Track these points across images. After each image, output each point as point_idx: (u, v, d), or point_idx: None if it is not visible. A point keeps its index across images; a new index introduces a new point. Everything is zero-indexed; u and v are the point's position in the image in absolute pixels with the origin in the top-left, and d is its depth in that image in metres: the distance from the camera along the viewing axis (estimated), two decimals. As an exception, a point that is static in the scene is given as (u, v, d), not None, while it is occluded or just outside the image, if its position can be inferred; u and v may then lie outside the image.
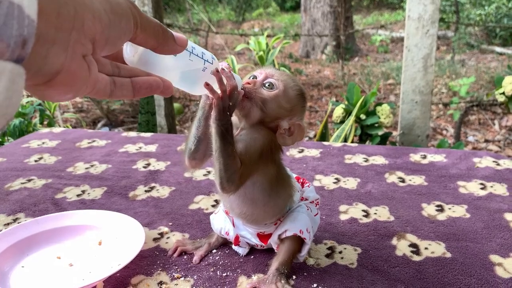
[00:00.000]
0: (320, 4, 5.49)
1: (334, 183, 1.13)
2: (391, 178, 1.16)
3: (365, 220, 0.94)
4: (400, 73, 2.20)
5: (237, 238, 0.80)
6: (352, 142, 2.03)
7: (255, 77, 0.71)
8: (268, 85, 0.69)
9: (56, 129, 1.68)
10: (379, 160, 1.29)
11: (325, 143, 1.46)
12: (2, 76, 0.28)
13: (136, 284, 0.74)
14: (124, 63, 0.47)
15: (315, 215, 0.80)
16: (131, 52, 0.47)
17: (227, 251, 0.83)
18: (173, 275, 0.76)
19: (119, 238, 0.85)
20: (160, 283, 0.74)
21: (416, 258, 0.80)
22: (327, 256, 0.81)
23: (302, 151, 1.38)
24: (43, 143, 1.51)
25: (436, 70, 4.77)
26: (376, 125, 2.19)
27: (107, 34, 0.38)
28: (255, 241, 0.80)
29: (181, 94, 4.25)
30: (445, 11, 6.30)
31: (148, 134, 1.59)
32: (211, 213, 0.98)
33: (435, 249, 0.83)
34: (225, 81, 0.60)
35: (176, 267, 0.78)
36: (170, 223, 0.94)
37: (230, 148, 0.64)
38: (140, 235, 0.81)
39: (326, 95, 4.34)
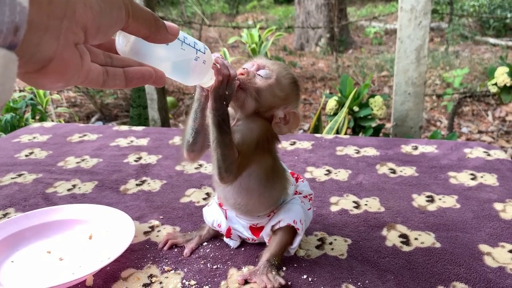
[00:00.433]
0: (314, -4, 5.46)
1: (326, 175, 1.14)
2: (382, 169, 1.16)
3: (356, 211, 0.94)
4: (394, 65, 2.20)
5: (229, 230, 0.80)
6: (345, 134, 2.04)
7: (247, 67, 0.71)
8: (262, 75, 0.69)
9: (47, 124, 1.67)
10: (370, 151, 1.29)
11: (317, 135, 1.46)
12: None
13: (126, 277, 0.74)
14: (117, 53, 0.47)
15: (308, 209, 0.81)
16: (123, 42, 0.46)
17: (217, 244, 0.83)
18: (164, 268, 0.76)
19: (110, 232, 0.85)
20: (151, 276, 0.74)
21: (406, 248, 0.80)
22: (318, 247, 0.81)
23: (294, 143, 1.38)
24: (34, 137, 1.50)
25: (430, 61, 4.78)
26: (369, 117, 2.20)
27: (98, 22, 0.38)
28: (247, 234, 0.80)
29: (174, 88, 4.23)
30: (439, 2, 6.30)
31: (140, 128, 1.58)
32: (202, 206, 0.98)
33: (424, 239, 0.83)
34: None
35: (167, 260, 0.78)
36: (161, 217, 0.94)
37: (227, 138, 0.65)
38: (131, 228, 0.81)
39: (320, 87, 4.34)
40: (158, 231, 0.88)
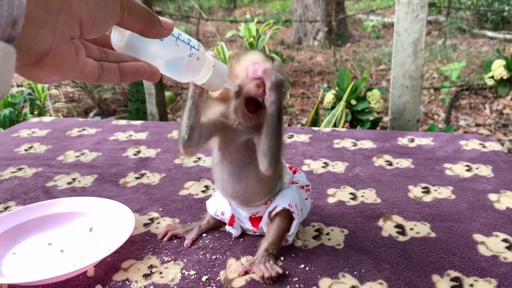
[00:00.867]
0: (312, -11, 5.45)
1: (323, 167, 1.15)
2: (379, 161, 1.17)
3: (352, 202, 0.96)
4: (391, 58, 2.21)
5: (232, 217, 0.82)
6: (343, 127, 2.05)
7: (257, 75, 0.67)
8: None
9: (46, 118, 1.68)
10: (367, 144, 1.30)
11: (315, 128, 1.47)
12: None
13: (126, 268, 0.75)
14: (112, 48, 0.48)
15: (305, 199, 0.82)
16: (118, 37, 0.47)
17: (216, 235, 0.84)
18: (163, 259, 0.77)
19: (110, 224, 0.86)
20: (151, 266, 0.75)
21: (401, 238, 0.82)
22: (315, 237, 0.82)
23: (291, 136, 1.39)
24: (33, 132, 1.51)
25: (428, 55, 4.78)
26: (367, 110, 2.21)
27: (93, 17, 0.39)
28: (248, 225, 0.81)
29: (173, 83, 4.23)
30: (437, -4, 6.29)
31: (138, 122, 1.59)
32: (201, 198, 0.99)
33: (420, 229, 0.84)
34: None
35: (166, 251, 0.80)
36: (161, 209, 0.95)
37: (281, 127, 0.67)
38: (131, 221, 0.82)
39: (318, 81, 4.34)
40: (158, 223, 0.90)
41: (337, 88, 2.27)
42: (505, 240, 0.80)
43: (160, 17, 0.46)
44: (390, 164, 1.16)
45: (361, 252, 0.78)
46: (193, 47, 0.53)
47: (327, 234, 0.83)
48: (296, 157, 1.22)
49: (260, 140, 0.69)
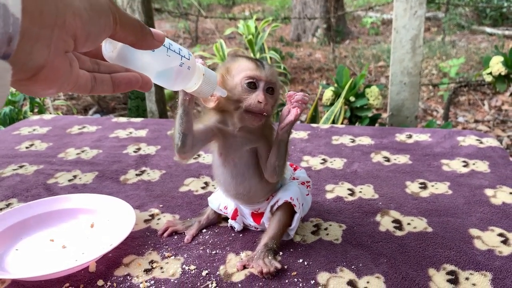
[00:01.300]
0: (311, -14, 5.45)
1: (321, 163, 1.16)
2: (377, 157, 1.18)
3: (350, 198, 0.97)
4: (390, 55, 2.21)
5: (235, 211, 0.83)
6: (342, 124, 2.06)
7: (253, 84, 0.71)
8: (271, 91, 0.73)
9: (47, 116, 1.69)
10: (365, 140, 1.31)
11: (313, 125, 1.48)
12: None
13: (128, 263, 0.76)
14: (104, 60, 0.48)
15: (306, 195, 0.84)
16: (110, 49, 0.48)
17: (216, 231, 0.85)
18: (164, 254, 0.78)
19: (111, 220, 0.87)
20: (151, 262, 0.76)
21: (398, 233, 0.83)
22: (313, 233, 0.83)
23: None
24: (34, 130, 1.52)
25: (427, 51, 4.78)
26: (365, 107, 2.22)
27: (87, 30, 0.39)
28: (250, 221, 0.83)
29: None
30: (436, -8, 6.28)
31: (138, 119, 1.60)
32: (201, 195, 1.00)
33: (417, 224, 0.86)
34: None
35: (167, 247, 0.81)
36: (161, 205, 0.96)
37: (287, 148, 0.75)
38: (131, 217, 0.83)
39: (317, 78, 4.35)
40: (158, 219, 0.91)
41: (335, 85, 2.28)
42: (500, 235, 0.81)
43: (152, 29, 0.47)
44: (388, 160, 1.17)
45: (358, 246, 0.79)
46: (184, 56, 0.54)
47: (326, 229, 0.85)
48: (295, 153, 1.23)
49: (263, 150, 0.76)
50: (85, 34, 0.39)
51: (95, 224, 0.88)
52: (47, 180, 1.11)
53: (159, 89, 2.62)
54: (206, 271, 0.73)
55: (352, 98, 2.22)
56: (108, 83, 0.45)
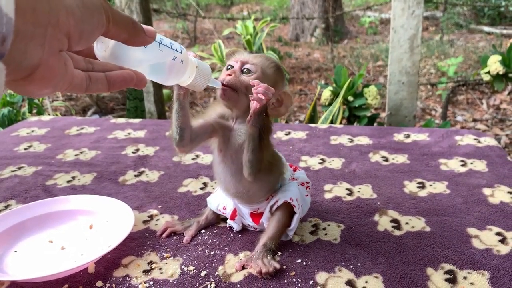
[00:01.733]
0: (309, -14, 5.45)
1: (320, 163, 1.16)
2: (375, 157, 1.19)
3: (349, 198, 0.97)
4: (388, 54, 2.22)
5: (234, 212, 0.83)
6: (340, 124, 2.06)
7: (232, 66, 0.75)
8: (247, 71, 0.73)
9: (45, 117, 1.69)
10: (363, 140, 1.32)
11: (312, 125, 1.49)
12: None
13: (126, 264, 0.77)
14: (97, 59, 0.48)
15: (306, 196, 0.85)
16: (102, 48, 0.48)
17: (215, 231, 0.86)
18: (163, 255, 0.78)
19: (110, 221, 0.87)
20: (150, 263, 0.76)
21: (397, 233, 0.83)
22: (312, 233, 0.84)
23: (288, 133, 1.40)
24: (32, 131, 1.52)
25: (425, 50, 4.79)
26: (364, 106, 2.22)
27: (80, 28, 0.39)
28: (248, 221, 0.83)
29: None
30: (434, -9, 6.29)
31: (137, 120, 1.60)
32: (199, 195, 1.01)
33: (415, 224, 0.86)
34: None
35: (166, 247, 0.81)
36: (160, 206, 0.96)
37: (262, 143, 0.72)
38: (130, 218, 0.83)
39: (316, 78, 4.35)
40: (157, 220, 0.91)
41: (334, 85, 2.28)
42: (498, 234, 0.81)
43: (143, 25, 0.47)
44: (386, 159, 1.17)
45: (357, 246, 0.79)
46: (176, 50, 0.54)
47: (324, 229, 0.85)
48: (294, 153, 1.24)
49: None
50: (78, 32, 0.39)
51: (94, 225, 0.88)
52: (46, 182, 1.11)
53: (158, 90, 2.62)
54: (205, 272, 0.73)
55: (350, 98, 2.22)
56: (103, 81, 0.46)
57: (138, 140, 1.39)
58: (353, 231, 0.84)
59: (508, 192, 0.96)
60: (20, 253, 0.81)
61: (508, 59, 2.26)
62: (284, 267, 0.73)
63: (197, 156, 1.22)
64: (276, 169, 0.81)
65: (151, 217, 0.92)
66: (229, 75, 0.72)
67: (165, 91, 2.77)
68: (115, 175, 1.13)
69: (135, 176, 1.12)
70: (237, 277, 0.72)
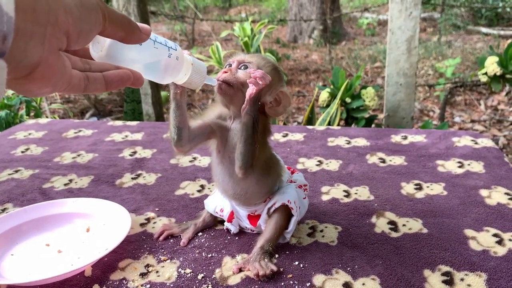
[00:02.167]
0: (307, -12, 5.46)
1: (317, 165, 1.16)
2: (372, 159, 1.19)
3: (346, 200, 0.97)
4: (386, 56, 2.22)
5: (231, 214, 0.83)
6: (338, 125, 2.06)
7: (229, 65, 0.75)
8: (244, 67, 0.74)
9: (42, 120, 1.68)
10: (361, 142, 1.32)
11: (309, 127, 1.49)
12: None
13: (123, 267, 0.76)
14: (93, 59, 0.49)
15: (303, 198, 0.84)
16: (97, 48, 0.48)
17: (212, 234, 0.85)
18: (160, 258, 0.78)
19: (107, 224, 0.87)
20: (147, 265, 0.76)
21: (394, 234, 0.83)
22: (309, 235, 0.84)
23: (286, 135, 1.40)
24: (30, 134, 1.52)
25: (423, 52, 4.80)
26: (362, 108, 2.22)
27: (79, 27, 0.40)
28: (246, 223, 0.83)
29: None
30: (431, -7, 6.30)
31: (134, 123, 1.60)
32: (197, 198, 1.00)
33: (412, 225, 0.86)
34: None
35: (163, 250, 0.81)
36: (157, 209, 0.96)
37: (255, 136, 0.71)
38: (127, 221, 0.83)
39: (314, 79, 4.36)
40: (154, 222, 0.91)
41: (332, 86, 2.28)
42: (495, 235, 0.81)
43: (138, 23, 0.48)
44: (383, 161, 1.17)
45: (354, 248, 0.79)
46: (171, 47, 0.54)
47: (321, 231, 0.85)
48: (291, 155, 1.24)
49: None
50: (77, 31, 0.40)
51: (91, 229, 0.87)
52: (43, 185, 1.11)
53: (156, 92, 2.62)
54: (202, 275, 0.73)
55: (348, 100, 2.22)
56: (101, 81, 0.46)
57: (135, 142, 1.39)
58: (350, 233, 0.84)
59: (505, 194, 0.97)
60: (17, 256, 0.81)
61: (505, 60, 2.26)
62: (281, 269, 0.73)
63: (194, 158, 1.22)
64: (274, 171, 0.81)
65: (148, 220, 0.92)
66: (225, 72, 0.73)
67: (163, 93, 2.77)
68: (112, 178, 1.13)
69: (132, 178, 1.12)
70: (234, 280, 0.72)
